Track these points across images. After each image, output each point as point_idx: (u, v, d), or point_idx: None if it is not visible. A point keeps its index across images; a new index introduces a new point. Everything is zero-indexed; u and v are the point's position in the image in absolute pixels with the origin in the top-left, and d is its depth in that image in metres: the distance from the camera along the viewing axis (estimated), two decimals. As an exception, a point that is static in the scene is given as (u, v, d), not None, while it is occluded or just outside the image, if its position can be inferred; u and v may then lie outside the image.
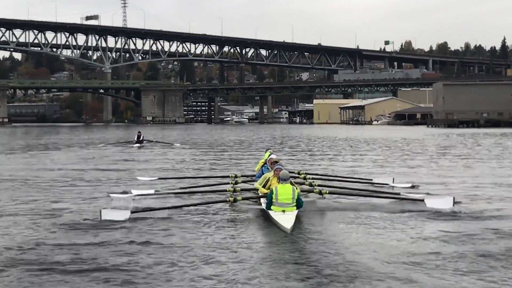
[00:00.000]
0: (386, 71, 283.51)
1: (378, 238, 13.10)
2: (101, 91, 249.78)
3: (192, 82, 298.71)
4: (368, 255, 11.39)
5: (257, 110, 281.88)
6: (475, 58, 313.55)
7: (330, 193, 17.81)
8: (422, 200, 17.13)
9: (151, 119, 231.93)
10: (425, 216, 15.75)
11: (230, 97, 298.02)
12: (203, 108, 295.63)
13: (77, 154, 44.76)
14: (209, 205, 16.97)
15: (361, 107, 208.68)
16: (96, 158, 39.35)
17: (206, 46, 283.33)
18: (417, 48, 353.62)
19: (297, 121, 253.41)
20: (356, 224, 14.76)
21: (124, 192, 19.70)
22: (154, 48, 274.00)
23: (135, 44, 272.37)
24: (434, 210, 16.34)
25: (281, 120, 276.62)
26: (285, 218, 13.94)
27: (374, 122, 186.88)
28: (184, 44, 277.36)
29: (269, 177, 17.02)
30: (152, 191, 19.80)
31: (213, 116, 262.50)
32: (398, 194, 18.74)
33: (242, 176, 22.32)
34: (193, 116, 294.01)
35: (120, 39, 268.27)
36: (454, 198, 17.04)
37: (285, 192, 14.70)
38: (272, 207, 14.70)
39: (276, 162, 17.92)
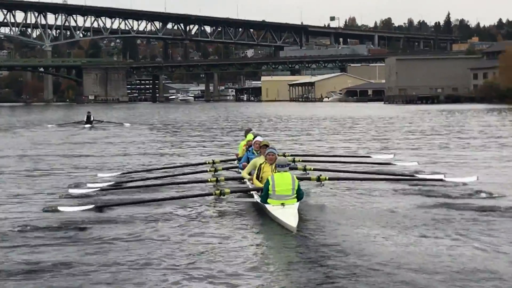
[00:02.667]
0: (332, 47, 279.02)
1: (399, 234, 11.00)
2: (41, 69, 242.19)
3: (136, 60, 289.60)
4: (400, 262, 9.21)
5: (203, 88, 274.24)
6: (420, 33, 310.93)
7: (330, 179, 15.48)
8: (441, 180, 16.01)
9: (93, 98, 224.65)
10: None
11: (175, 75, 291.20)
12: (147, 86, 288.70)
13: (26, 136, 41.99)
14: (190, 199, 14.44)
15: (311, 84, 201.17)
16: (47, 141, 36.39)
17: (149, 23, 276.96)
18: (362, 24, 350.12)
19: (244, 98, 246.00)
20: (370, 216, 12.60)
21: (84, 185, 16.96)
22: (95, 25, 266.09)
23: (75, 21, 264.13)
24: (455, 185, 15.61)
25: (228, 98, 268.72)
26: (288, 213, 11.87)
27: (325, 99, 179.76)
28: (126, 21, 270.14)
29: (260, 164, 14.40)
30: (116, 181, 17.61)
31: (157, 95, 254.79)
32: (414, 175, 17.30)
33: (221, 161, 19.96)
34: (136, 94, 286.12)
35: (60, 16, 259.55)
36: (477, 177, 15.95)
37: (283, 182, 12.52)
38: (268, 200, 12.55)
39: (267, 145, 15.08)
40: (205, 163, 19.77)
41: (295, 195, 12.48)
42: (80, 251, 10.22)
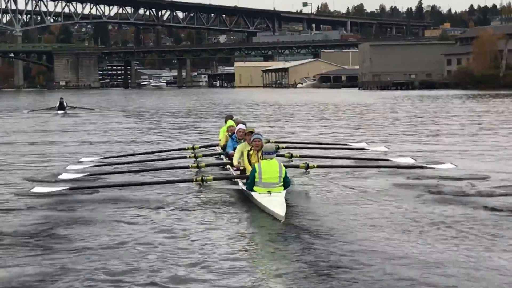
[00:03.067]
0: (305, 33, 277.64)
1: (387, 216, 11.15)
2: (11, 55, 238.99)
3: (107, 45, 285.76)
4: (385, 246, 9.15)
5: (175, 74, 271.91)
6: (393, 19, 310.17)
7: (318, 167, 15.11)
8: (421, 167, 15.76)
9: (64, 84, 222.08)
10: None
11: (147, 60, 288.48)
12: (119, 72, 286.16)
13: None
14: (170, 185, 14.18)
15: (285, 70, 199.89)
16: (21, 128, 35.35)
17: (121, 8, 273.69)
18: (334, 10, 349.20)
19: (217, 84, 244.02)
20: (356, 203, 12.43)
21: (63, 169, 16.42)
22: (66, 10, 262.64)
23: (46, 6, 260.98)
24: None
25: (201, 84, 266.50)
26: (275, 202, 11.49)
27: (299, 85, 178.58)
28: (98, 6, 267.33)
29: (248, 151, 13.90)
30: (95, 165, 17.27)
31: (129, 81, 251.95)
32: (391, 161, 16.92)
33: (201, 147, 19.42)
34: (108, 80, 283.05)
35: (30, 1, 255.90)
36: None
37: (270, 169, 12.15)
38: (254, 187, 12.17)
39: (252, 132, 14.33)
40: (185, 149, 19.45)
41: (282, 183, 12.16)
42: (51, 233, 10.09)
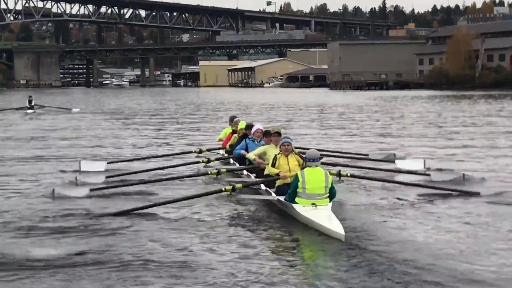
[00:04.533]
0: (269, 33, 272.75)
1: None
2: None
3: (68, 44, 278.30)
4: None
5: (138, 73, 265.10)
6: (357, 19, 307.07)
7: (352, 176, 13.51)
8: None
9: (25, 82, 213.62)
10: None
11: (109, 59, 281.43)
12: (81, 71, 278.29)
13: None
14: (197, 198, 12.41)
15: (251, 69, 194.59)
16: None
17: (82, 6, 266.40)
18: (297, 9, 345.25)
19: (181, 83, 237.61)
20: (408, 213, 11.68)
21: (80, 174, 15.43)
22: (27, 7, 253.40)
23: (6, 4, 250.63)
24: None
25: (164, 83, 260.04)
26: (324, 216, 10.30)
27: (266, 85, 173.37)
28: (59, 4, 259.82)
29: (276, 155, 12.48)
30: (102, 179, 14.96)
31: (91, 80, 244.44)
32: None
33: (207, 150, 18.20)
34: (70, 79, 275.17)
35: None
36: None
37: (315, 178, 10.89)
38: (296, 199, 10.95)
39: (279, 133, 13.34)
40: (191, 152, 18.58)
41: (328, 194, 11.06)
42: (74, 243, 9.70)
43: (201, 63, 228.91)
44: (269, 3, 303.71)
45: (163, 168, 16.51)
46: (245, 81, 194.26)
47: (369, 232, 10.18)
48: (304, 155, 11.82)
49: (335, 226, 9.90)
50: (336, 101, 69.73)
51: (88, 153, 21.75)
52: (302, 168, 11.54)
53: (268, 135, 13.92)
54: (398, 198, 13.12)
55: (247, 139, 15.44)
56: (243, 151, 15.10)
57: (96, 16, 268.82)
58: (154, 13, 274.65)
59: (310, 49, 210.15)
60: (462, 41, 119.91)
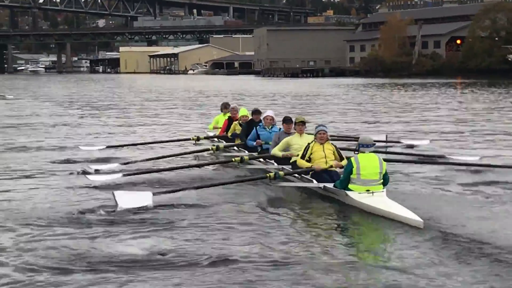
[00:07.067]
0: (188, 18, 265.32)
1: None
2: None
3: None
4: None
5: (54, 59, 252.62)
6: (275, 6, 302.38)
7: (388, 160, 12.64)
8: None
9: None
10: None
11: (23, 45, 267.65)
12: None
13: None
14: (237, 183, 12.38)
15: (174, 56, 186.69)
16: None
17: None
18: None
19: (100, 70, 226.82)
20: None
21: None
22: None
23: None
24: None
25: (82, 69, 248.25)
26: (394, 204, 10.09)
27: (190, 72, 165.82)
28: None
29: (309, 144, 12.20)
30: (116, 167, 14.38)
31: (6, 65, 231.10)
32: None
33: (205, 138, 17.74)
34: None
35: None
36: None
37: (370, 164, 10.62)
38: (350, 185, 10.74)
39: (303, 122, 13.06)
40: (188, 139, 18.06)
41: (382, 180, 10.71)
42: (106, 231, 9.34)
43: (121, 49, 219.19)
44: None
45: (177, 155, 15.95)
46: (167, 67, 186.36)
47: (439, 218, 9.76)
48: (357, 141, 11.26)
49: (410, 214, 9.67)
50: (290, 89, 63.63)
51: (75, 140, 20.71)
52: (340, 156, 11.95)
53: (289, 123, 13.46)
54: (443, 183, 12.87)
55: (258, 127, 14.72)
56: (258, 140, 14.45)
57: (9, 0, 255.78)
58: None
59: (233, 36, 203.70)
60: (396, 27, 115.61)
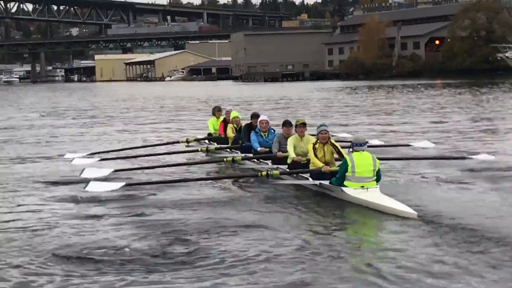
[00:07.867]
0: (162, 25, 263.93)
1: None
2: None
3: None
4: None
5: (28, 69, 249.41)
6: (249, 10, 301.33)
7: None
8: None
9: None
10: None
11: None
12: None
13: None
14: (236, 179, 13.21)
15: (151, 62, 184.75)
16: None
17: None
18: (187, 2, 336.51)
19: (75, 79, 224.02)
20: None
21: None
22: None
23: None
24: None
25: (57, 78, 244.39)
26: (387, 198, 10.53)
27: (167, 78, 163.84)
28: None
29: (312, 144, 12.36)
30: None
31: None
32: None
33: (195, 140, 17.78)
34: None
35: None
36: None
37: (363, 162, 11.00)
38: (346, 182, 11.05)
39: (304, 123, 13.19)
40: (178, 142, 18.21)
41: (375, 177, 11.04)
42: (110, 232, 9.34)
43: (96, 57, 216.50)
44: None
45: (166, 154, 16.52)
46: (144, 75, 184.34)
47: (431, 208, 10.26)
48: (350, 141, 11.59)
49: (403, 207, 10.05)
50: (281, 94, 62.20)
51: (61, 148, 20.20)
52: (339, 155, 12.10)
53: (288, 126, 13.59)
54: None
55: (255, 131, 14.73)
56: (262, 148, 14.34)
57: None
58: (41, 7, 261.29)
59: (209, 41, 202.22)
60: (375, 29, 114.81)
